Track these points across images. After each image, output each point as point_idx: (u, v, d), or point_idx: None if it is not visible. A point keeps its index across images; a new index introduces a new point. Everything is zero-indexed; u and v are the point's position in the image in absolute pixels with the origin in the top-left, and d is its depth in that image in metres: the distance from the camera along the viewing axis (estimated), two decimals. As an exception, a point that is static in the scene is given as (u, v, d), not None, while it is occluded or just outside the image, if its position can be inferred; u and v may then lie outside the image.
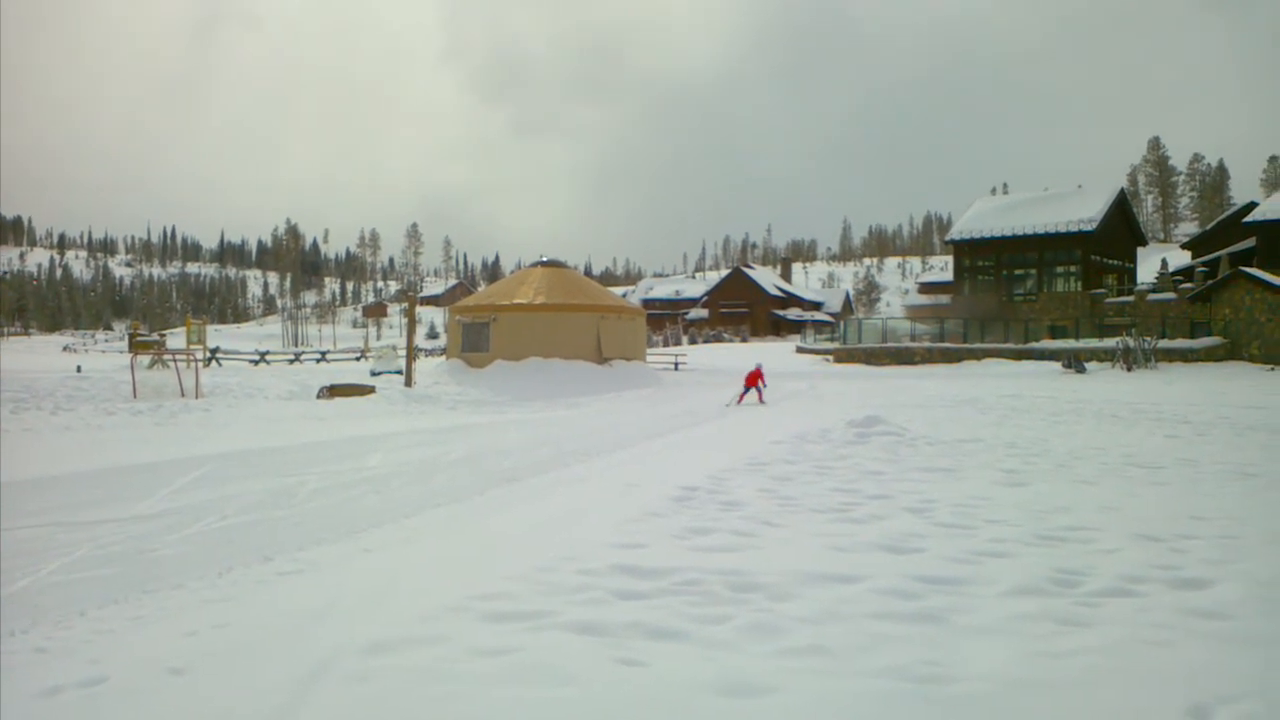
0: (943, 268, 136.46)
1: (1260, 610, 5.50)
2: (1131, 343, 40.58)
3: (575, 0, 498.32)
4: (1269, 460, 12.04)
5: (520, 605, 5.49)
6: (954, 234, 63.45)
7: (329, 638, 4.99)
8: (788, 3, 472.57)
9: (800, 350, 58.62)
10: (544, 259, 38.32)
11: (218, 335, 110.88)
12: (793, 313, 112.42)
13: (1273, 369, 37.67)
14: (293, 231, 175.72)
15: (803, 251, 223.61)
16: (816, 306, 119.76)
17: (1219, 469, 11.25)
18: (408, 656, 4.68)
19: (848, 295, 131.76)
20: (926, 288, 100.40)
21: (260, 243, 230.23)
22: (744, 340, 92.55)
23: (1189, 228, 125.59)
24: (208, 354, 40.98)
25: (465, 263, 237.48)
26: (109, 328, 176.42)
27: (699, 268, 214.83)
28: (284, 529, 8.15)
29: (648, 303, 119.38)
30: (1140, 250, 69.33)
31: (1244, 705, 4.15)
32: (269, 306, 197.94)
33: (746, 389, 24.77)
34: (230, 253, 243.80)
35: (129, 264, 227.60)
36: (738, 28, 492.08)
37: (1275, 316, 40.09)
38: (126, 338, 68.20)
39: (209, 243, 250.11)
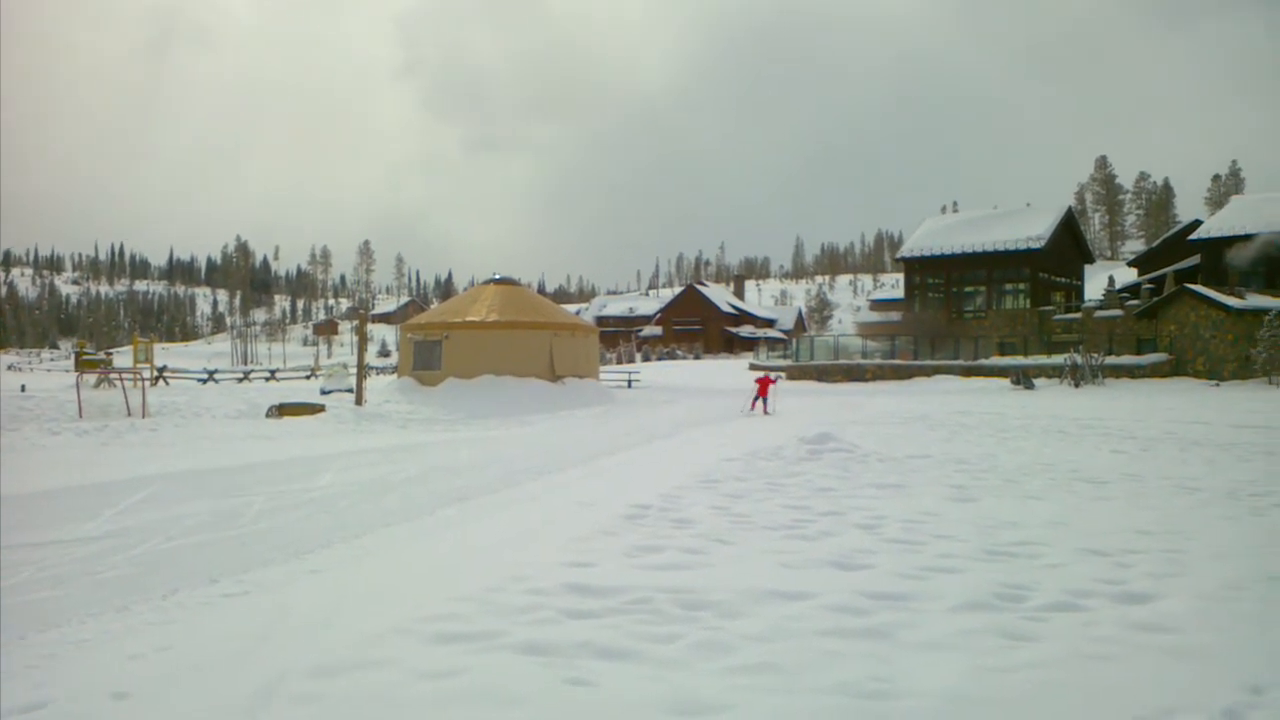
0: (894, 285, 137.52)
1: (1204, 624, 5.57)
2: (1079, 359, 41.06)
3: (532, 18, 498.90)
4: (1213, 475, 12.21)
5: (469, 626, 5.44)
6: (905, 252, 63.96)
7: (274, 661, 4.93)
8: (741, 22, 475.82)
9: (753, 367, 58.71)
10: (497, 276, 38.18)
11: (166, 354, 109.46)
12: (746, 330, 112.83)
13: (1217, 384, 38.24)
14: (243, 248, 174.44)
15: (756, 269, 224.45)
16: (769, 324, 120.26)
17: (1164, 484, 11.40)
18: (354, 679, 4.63)
19: (800, 312, 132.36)
20: (878, 305, 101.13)
21: (210, 260, 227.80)
22: (697, 358, 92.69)
23: (1135, 245, 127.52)
24: (155, 373, 40.46)
25: (418, 280, 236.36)
26: (55, 346, 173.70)
27: (653, 285, 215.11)
28: (230, 550, 8.05)
29: (601, 320, 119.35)
30: (1088, 268, 70.23)
31: (1187, 719, 4.20)
32: (218, 324, 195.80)
33: (759, 397, 26.48)
34: (179, 270, 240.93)
35: (76, 281, 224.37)
36: (692, 48, 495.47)
37: (1219, 333, 40.71)
38: (73, 356, 67.29)
39: (158, 260, 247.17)
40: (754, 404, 26.68)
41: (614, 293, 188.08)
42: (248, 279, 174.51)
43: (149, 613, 6.05)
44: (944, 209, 75.85)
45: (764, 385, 26.90)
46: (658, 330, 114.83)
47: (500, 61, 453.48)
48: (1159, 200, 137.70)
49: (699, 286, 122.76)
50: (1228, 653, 5.07)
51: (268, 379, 50.36)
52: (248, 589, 6.64)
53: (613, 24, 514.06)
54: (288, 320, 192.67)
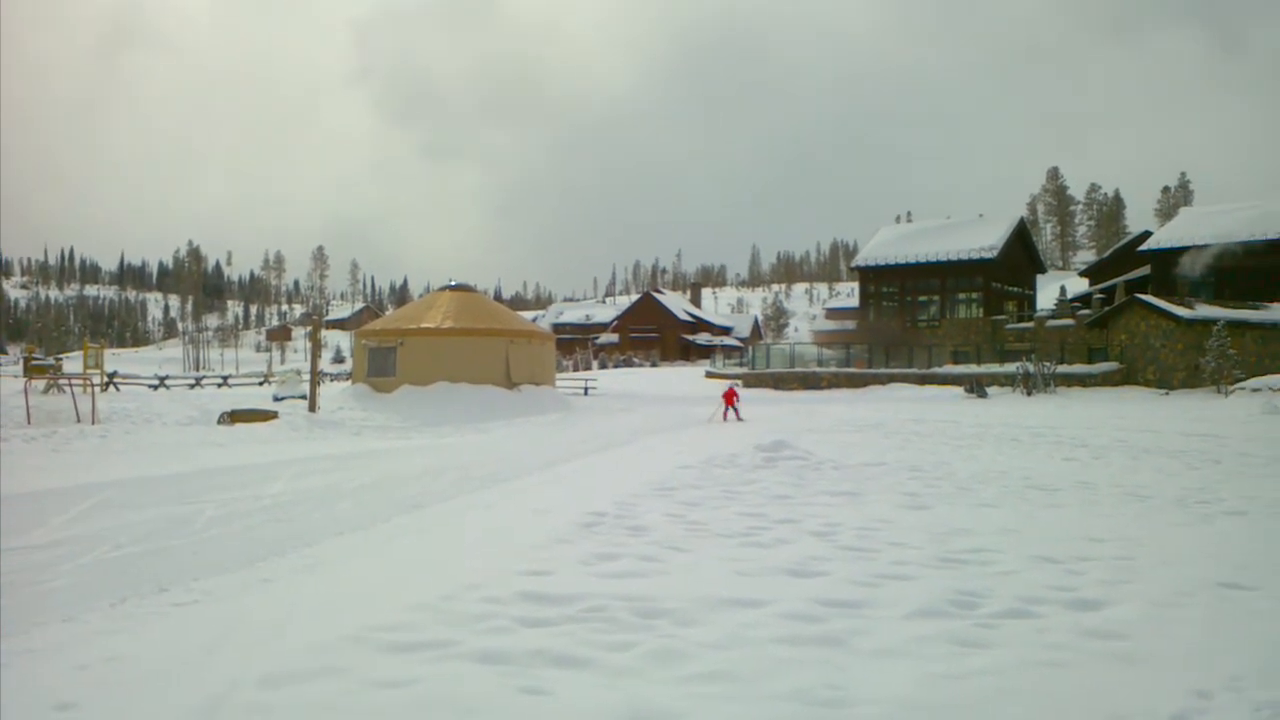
0: (849, 294, 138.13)
1: (1154, 630, 5.63)
2: (1031, 368, 41.48)
3: (487, 25, 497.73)
4: (1162, 483, 12.36)
5: (422, 635, 5.40)
6: (860, 261, 64.38)
7: (224, 670, 4.86)
8: (696, 32, 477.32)
9: (710, 375, 58.85)
10: (453, 283, 38.08)
11: (116, 359, 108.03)
12: (702, 338, 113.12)
13: (1167, 393, 38.73)
14: (195, 253, 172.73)
15: (712, 277, 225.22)
16: (726, 331, 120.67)
17: (1115, 491, 11.53)
18: (305, 689, 4.58)
19: (756, 320, 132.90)
20: (833, 313, 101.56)
21: (161, 264, 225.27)
22: (654, 365, 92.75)
23: (1087, 256, 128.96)
24: (105, 378, 39.95)
25: (373, 286, 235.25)
26: (3, 351, 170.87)
27: (609, 292, 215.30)
28: (180, 558, 7.95)
29: (558, 327, 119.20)
30: (1040, 277, 70.98)
31: (1137, 724, 4.24)
32: (170, 330, 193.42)
33: (726, 407, 27.43)
34: (130, 275, 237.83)
35: (24, 286, 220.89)
36: (648, 57, 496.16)
37: (1169, 342, 41.24)
38: (21, 362, 66.22)
39: (108, 264, 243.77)
40: (725, 415, 27.43)
41: (571, 300, 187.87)
42: (200, 284, 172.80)
43: (97, 622, 5.95)
44: (898, 219, 76.34)
45: (729, 396, 27.98)
46: (614, 338, 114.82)
47: (455, 67, 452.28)
48: (1110, 211, 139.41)
49: (656, 294, 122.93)
50: (1177, 659, 5.12)
51: (220, 385, 49.88)
52: (198, 598, 6.56)
53: (568, 31, 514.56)
54: (241, 326, 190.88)
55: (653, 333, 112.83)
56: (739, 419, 26.96)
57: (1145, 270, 55.71)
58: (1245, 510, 10.15)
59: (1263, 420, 24.22)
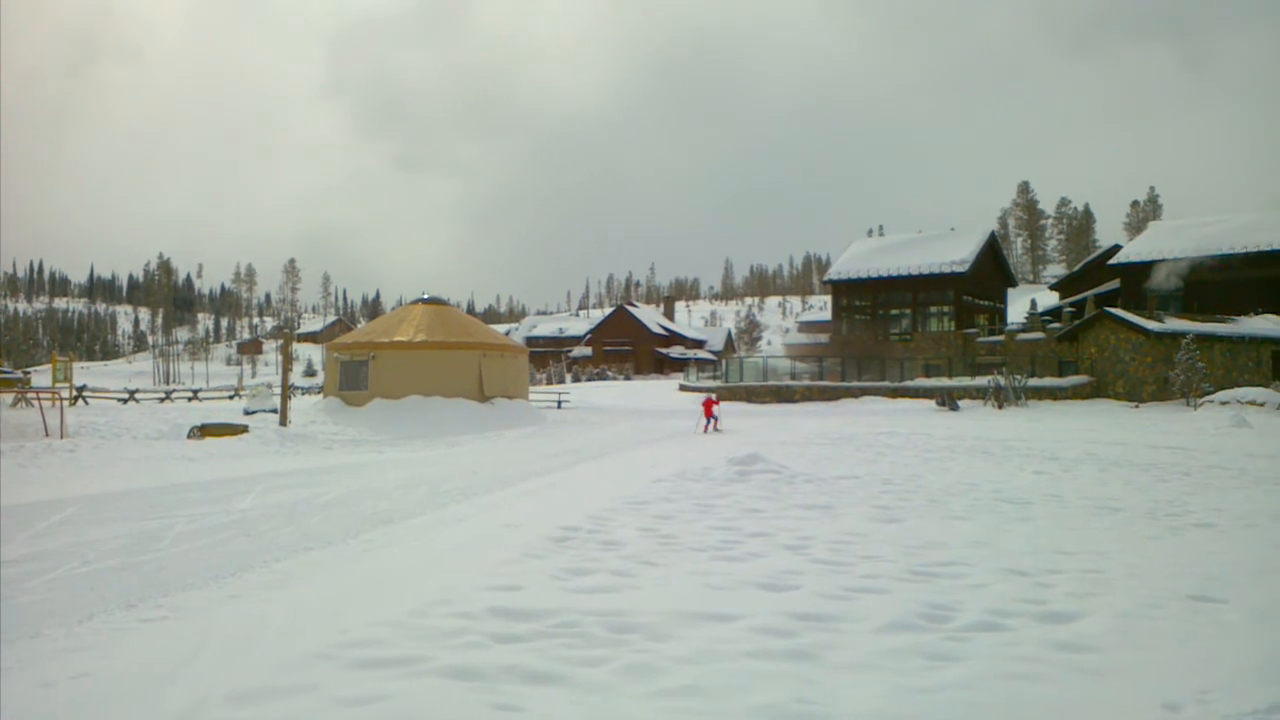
0: (822, 307, 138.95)
1: (1123, 643, 5.66)
2: (1002, 381, 41.67)
3: (460, 39, 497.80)
4: (1132, 495, 12.44)
5: (392, 651, 5.37)
6: (832, 274, 64.62)
7: (192, 687, 4.82)
8: (672, 48, 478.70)
9: (683, 388, 58.87)
10: (425, 296, 37.99)
11: (85, 373, 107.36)
12: (676, 351, 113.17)
13: (1136, 406, 38.99)
14: (165, 266, 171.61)
15: (686, 290, 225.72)
16: (699, 344, 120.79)
17: (1084, 504, 11.59)
18: (273, 706, 4.55)
19: (730, 334, 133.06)
20: (806, 326, 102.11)
21: (131, 277, 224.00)
22: (628, 378, 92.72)
23: (1057, 269, 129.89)
24: (74, 392, 39.63)
25: (345, 299, 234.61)
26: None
27: (583, 306, 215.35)
28: (149, 574, 7.88)
29: (531, 340, 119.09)
30: (1010, 291, 71.47)
31: (1106, 737, 4.26)
32: (140, 343, 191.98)
33: (707, 418, 28.02)
34: (100, 287, 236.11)
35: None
36: (621, 72, 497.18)
37: (1138, 355, 41.55)
38: (-13, 375, 65.49)
39: (78, 277, 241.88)
40: (706, 427, 27.90)
41: (544, 313, 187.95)
42: (170, 297, 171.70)
43: (64, 639, 5.90)
44: (871, 232, 76.85)
45: (708, 407, 28.60)
46: (588, 351, 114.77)
47: (429, 80, 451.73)
48: (1080, 225, 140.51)
49: (629, 307, 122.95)
50: (1146, 671, 5.16)
51: (190, 399, 49.53)
52: (166, 614, 6.50)
53: (541, 45, 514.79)
54: (211, 339, 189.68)
55: (626, 346, 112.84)
56: (717, 429, 27.36)
57: (1115, 284, 56.19)
58: (1214, 523, 10.23)
59: (1231, 433, 24.42)
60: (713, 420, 28.25)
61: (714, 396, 30.89)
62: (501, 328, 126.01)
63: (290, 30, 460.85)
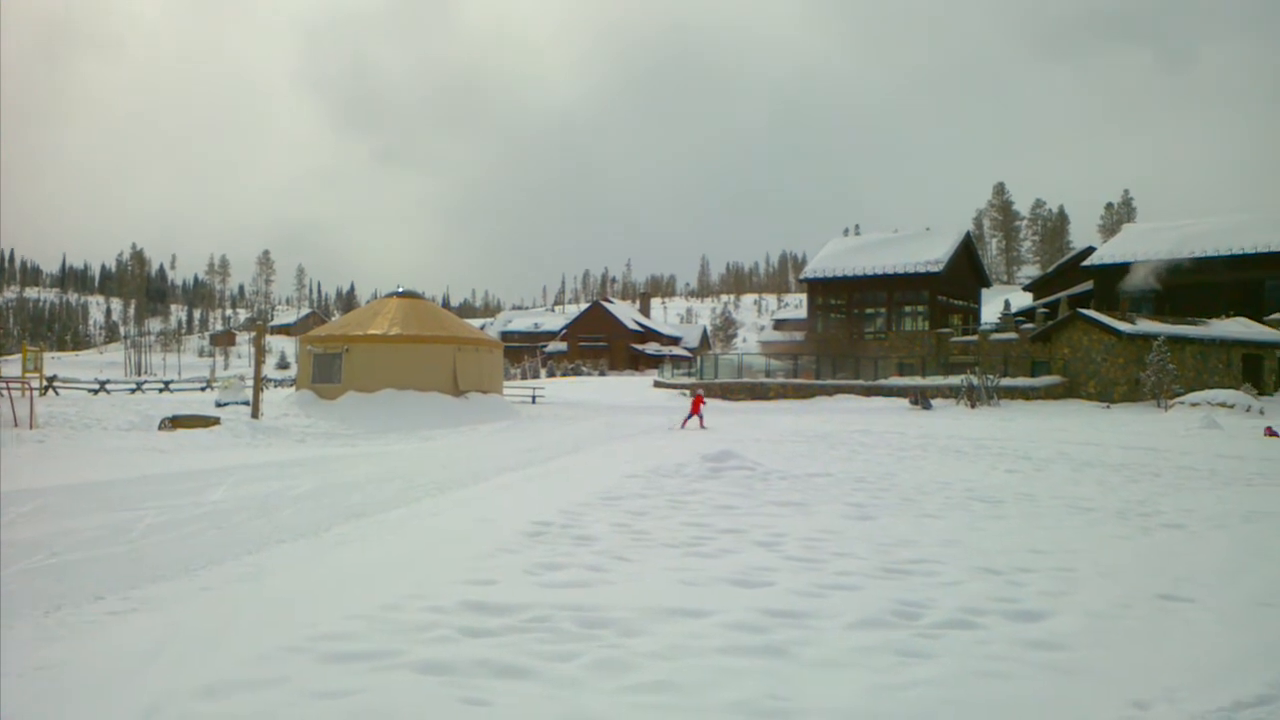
0: (797, 305, 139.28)
1: (1093, 641, 5.69)
2: (975, 381, 41.88)
3: (438, 34, 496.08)
4: (1103, 495, 12.52)
5: (363, 645, 5.34)
6: (808, 273, 64.82)
7: (160, 680, 4.78)
8: (650, 46, 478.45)
9: (658, 385, 58.87)
10: (400, 289, 37.85)
11: (56, 363, 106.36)
12: (651, 347, 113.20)
13: (1108, 406, 39.26)
14: (138, 256, 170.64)
15: (662, 287, 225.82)
16: (675, 341, 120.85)
17: (1056, 503, 11.66)
18: (243, 700, 4.51)
19: (705, 331, 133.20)
20: (781, 324, 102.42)
21: (104, 267, 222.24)
22: (602, 374, 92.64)
23: (1031, 270, 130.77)
24: (44, 382, 39.28)
25: (319, 292, 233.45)
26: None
27: (558, 301, 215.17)
28: (118, 566, 7.80)
29: (506, 335, 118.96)
30: (985, 291, 71.94)
31: (1076, 735, 4.28)
32: (112, 334, 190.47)
33: (691, 415, 28.70)
34: (72, 277, 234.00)
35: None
36: (599, 68, 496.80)
37: (1110, 356, 41.82)
38: (-44, 365, 64.85)
39: (50, 266, 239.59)
40: (685, 422, 28.62)
41: (519, 308, 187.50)
42: (143, 287, 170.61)
43: (30, 631, 5.83)
44: (846, 231, 77.31)
45: (696, 403, 29.17)
46: (563, 346, 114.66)
47: (407, 74, 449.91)
48: (1054, 227, 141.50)
49: (605, 303, 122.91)
50: (1115, 670, 5.19)
51: (162, 390, 49.24)
52: (135, 606, 6.44)
53: (519, 42, 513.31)
54: (184, 331, 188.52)
55: (601, 342, 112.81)
56: (702, 426, 27.66)
57: (1088, 285, 56.55)
58: (1184, 523, 10.30)
59: (1201, 434, 24.63)
60: (698, 417, 28.59)
61: (702, 393, 31.47)
62: (477, 322, 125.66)
63: (269, 23, 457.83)
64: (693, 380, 55.34)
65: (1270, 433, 24.63)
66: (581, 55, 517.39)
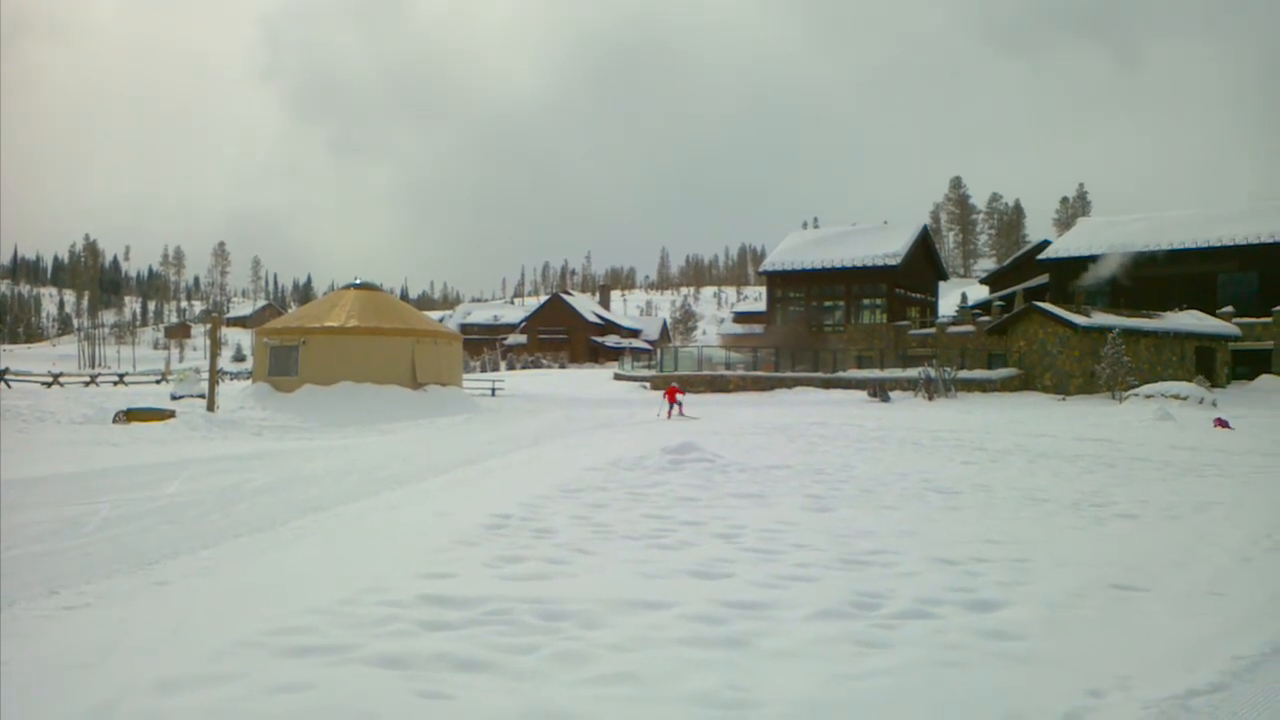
0: (757, 298, 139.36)
1: (1048, 631, 5.75)
2: (933, 373, 42.17)
3: (396, 23, 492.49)
4: (1058, 486, 12.65)
5: (321, 639, 5.31)
6: (767, 265, 64.98)
7: (115, 676, 4.73)
8: (609, 36, 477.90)
9: (618, 377, 58.86)
10: (358, 281, 37.59)
11: (8, 355, 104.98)
12: (611, 340, 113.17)
13: (1063, 399, 39.63)
14: (91, 248, 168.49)
15: (621, 279, 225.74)
16: (635, 334, 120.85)
17: (1012, 494, 11.77)
18: (199, 695, 4.48)
19: (665, 323, 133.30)
20: (741, 317, 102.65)
21: (57, 259, 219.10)
22: (562, 367, 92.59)
23: (987, 263, 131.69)
24: (-5, 375, 38.75)
25: (276, 284, 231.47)
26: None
27: (518, 293, 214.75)
28: (72, 561, 7.71)
29: (465, 328, 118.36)
30: (942, 284, 72.39)
31: (1031, 724, 4.33)
32: (65, 326, 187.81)
33: (670, 404, 29.54)
34: (24, 269, 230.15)
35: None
36: (558, 59, 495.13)
37: (1066, 349, 42.18)
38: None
39: (0, 258, 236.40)
40: (670, 412, 29.28)
41: (479, 300, 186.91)
42: (96, 279, 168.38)
43: (-20, 627, 5.75)
44: (806, 224, 77.68)
45: (671, 394, 30.07)
46: (523, 339, 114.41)
47: (365, 65, 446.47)
48: (1010, 220, 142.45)
49: (564, 296, 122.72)
50: (1070, 658, 5.25)
51: (116, 383, 48.63)
52: (89, 601, 6.37)
53: (477, 30, 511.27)
54: (138, 323, 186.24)
55: (561, 334, 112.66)
56: (669, 417, 28.36)
57: (1044, 278, 57.02)
58: (1138, 514, 10.44)
59: (1155, 426, 24.93)
60: (676, 406, 29.41)
61: (676, 385, 32.36)
62: (436, 314, 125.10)
63: (223, 10, 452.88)
64: (652, 373, 55.41)
65: (1219, 423, 24.98)
66: (539, 45, 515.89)
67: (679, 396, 30.14)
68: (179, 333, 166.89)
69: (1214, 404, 32.83)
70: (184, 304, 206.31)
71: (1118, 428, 24.17)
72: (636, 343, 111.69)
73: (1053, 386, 42.26)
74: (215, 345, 29.57)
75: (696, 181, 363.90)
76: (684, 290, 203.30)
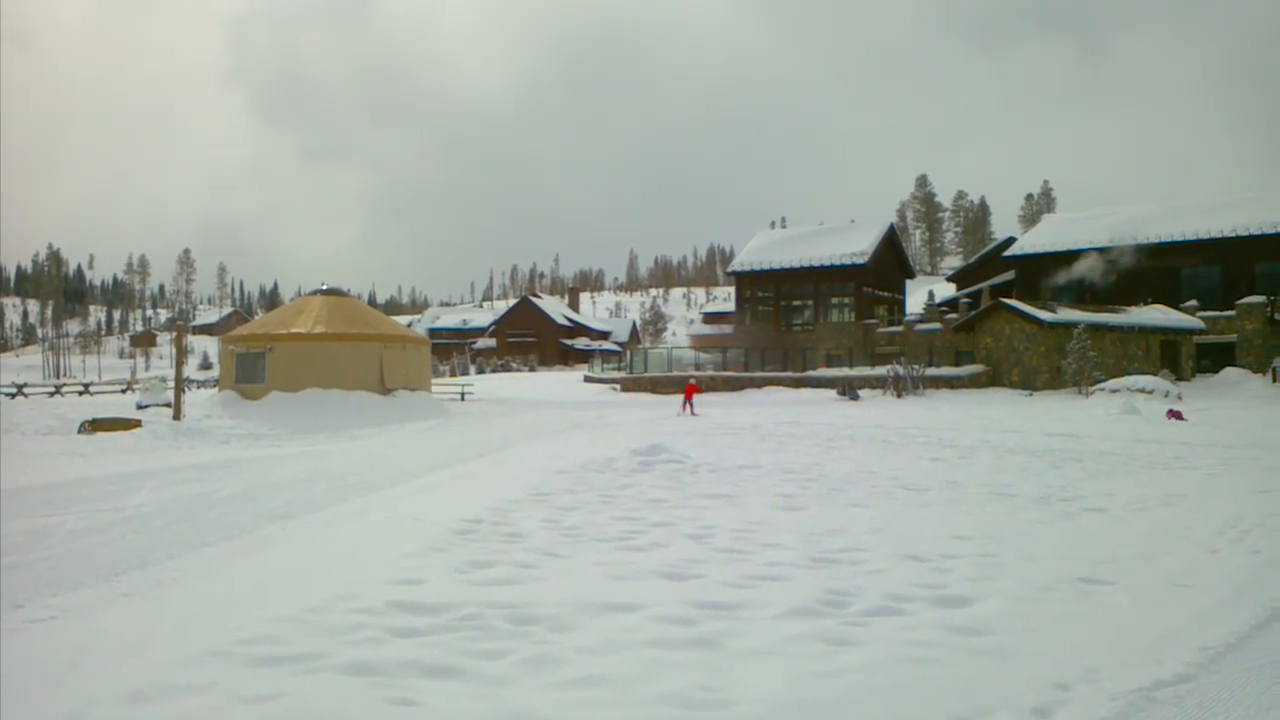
0: (726, 298, 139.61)
1: (1017, 625, 5.80)
2: (901, 371, 42.35)
3: (363, 26, 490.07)
4: (1026, 481, 12.74)
5: (290, 648, 5.29)
6: (735, 266, 65.04)
7: (83, 688, 4.70)
8: (577, 38, 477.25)
9: (588, 379, 58.80)
10: (324, 287, 37.38)
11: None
12: (581, 342, 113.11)
13: (1031, 394, 39.88)
14: (55, 257, 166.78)
15: (590, 281, 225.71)
16: (604, 336, 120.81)
17: (980, 490, 11.85)
18: (169, 705, 4.45)
19: (634, 325, 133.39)
20: (710, 318, 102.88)
21: (20, 268, 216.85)
22: (532, 370, 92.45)
23: (954, 261, 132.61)
24: (-43, 387, 38.35)
25: (242, 290, 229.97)
26: None
27: (487, 297, 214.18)
28: (38, 573, 7.63)
29: (434, 332, 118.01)
30: (909, 282, 72.66)
31: (1002, 717, 4.36)
32: (29, 336, 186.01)
33: (686, 401, 31.53)
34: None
35: None
36: (524, 62, 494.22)
37: (1032, 345, 42.46)
38: None
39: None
40: (684, 407, 31.37)
41: (447, 304, 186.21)
42: (60, 288, 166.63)
43: (-56, 642, 5.69)
44: (774, 224, 77.97)
45: (690, 391, 32.11)
46: (492, 343, 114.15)
47: (331, 68, 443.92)
48: (976, 218, 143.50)
49: (533, 299, 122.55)
50: (1038, 652, 5.29)
51: (81, 393, 48.23)
52: (56, 614, 6.31)
53: (445, 33, 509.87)
54: (103, 332, 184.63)
55: (531, 337, 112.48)
56: (693, 414, 29.86)
57: (1010, 275, 57.34)
58: (1104, 508, 10.53)
59: (1121, 420, 25.13)
60: (689, 404, 31.04)
61: (694, 382, 35.01)
62: (404, 319, 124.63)
63: (189, 15, 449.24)
64: (622, 374, 55.36)
65: (1172, 414, 25.31)
66: (507, 47, 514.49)
67: (695, 395, 31.75)
68: (144, 341, 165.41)
69: (1179, 397, 33.12)
70: (149, 312, 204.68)
71: (1084, 422, 24.35)
72: (606, 345, 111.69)
73: (1020, 382, 42.52)
74: (181, 353, 29.36)
75: (665, 182, 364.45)
76: (653, 292, 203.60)
